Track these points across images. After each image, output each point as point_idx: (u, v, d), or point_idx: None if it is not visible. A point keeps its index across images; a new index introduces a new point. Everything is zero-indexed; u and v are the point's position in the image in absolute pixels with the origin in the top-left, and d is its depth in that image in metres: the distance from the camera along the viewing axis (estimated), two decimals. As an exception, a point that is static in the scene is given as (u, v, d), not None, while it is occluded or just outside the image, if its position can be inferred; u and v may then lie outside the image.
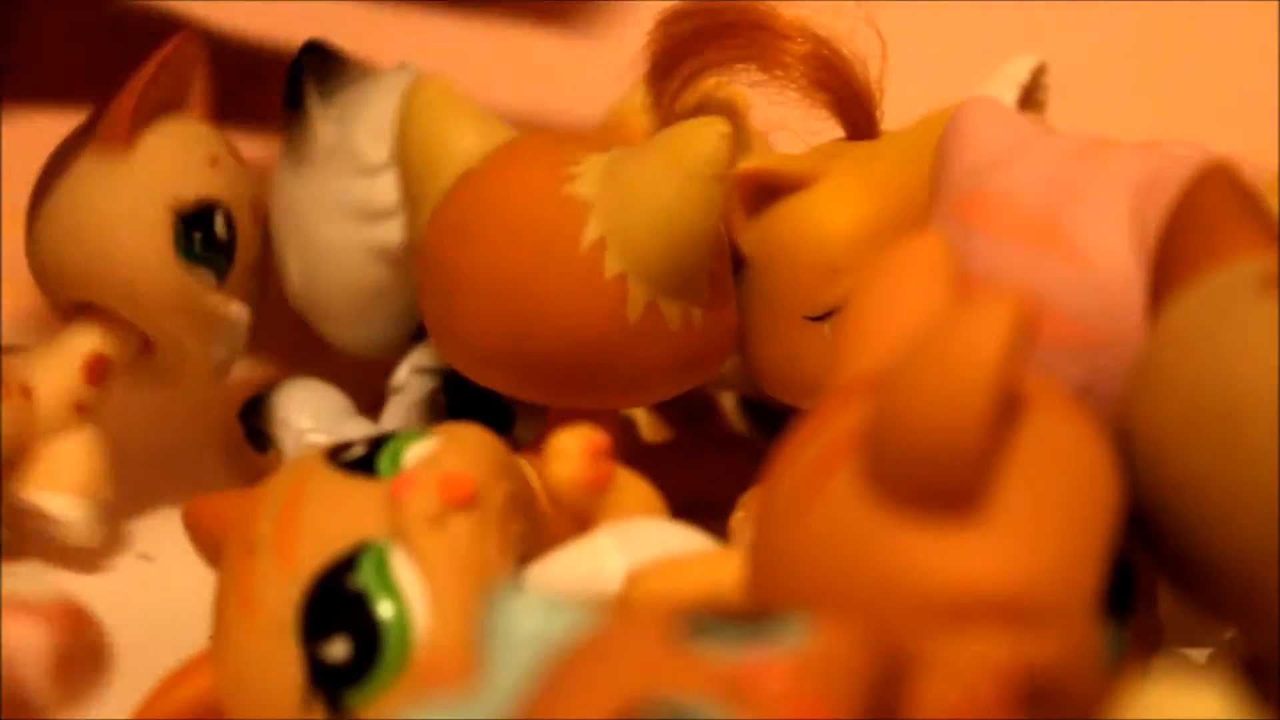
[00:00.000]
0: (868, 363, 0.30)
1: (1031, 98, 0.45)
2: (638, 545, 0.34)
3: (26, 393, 0.43)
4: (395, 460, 0.34)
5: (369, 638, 0.32)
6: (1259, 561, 0.28)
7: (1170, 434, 0.29)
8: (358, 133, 0.45)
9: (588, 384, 0.41)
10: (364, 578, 0.32)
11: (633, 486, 0.36)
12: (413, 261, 0.43)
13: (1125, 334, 0.34)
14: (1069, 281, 0.35)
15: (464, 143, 0.42)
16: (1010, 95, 0.44)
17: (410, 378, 0.45)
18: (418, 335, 0.46)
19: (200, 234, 0.44)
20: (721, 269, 0.41)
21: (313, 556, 0.32)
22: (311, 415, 0.45)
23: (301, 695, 0.32)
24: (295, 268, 0.46)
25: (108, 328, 0.44)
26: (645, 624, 0.26)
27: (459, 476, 0.33)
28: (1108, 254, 0.35)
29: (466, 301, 0.40)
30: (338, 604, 0.32)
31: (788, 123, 0.42)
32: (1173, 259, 0.31)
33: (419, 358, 0.46)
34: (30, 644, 0.29)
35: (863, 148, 0.42)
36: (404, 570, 0.32)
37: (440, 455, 0.34)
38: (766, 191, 0.41)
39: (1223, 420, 0.28)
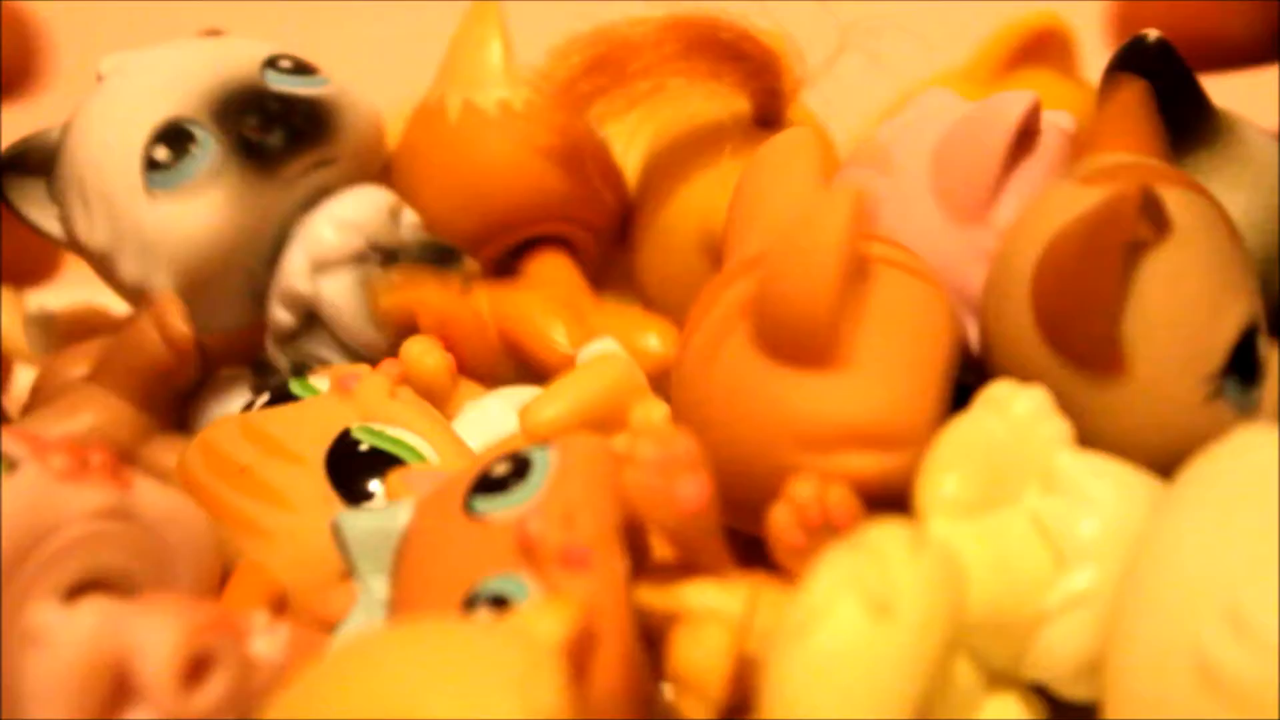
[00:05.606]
0: (753, 242, 0.38)
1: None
2: (515, 397, 0.43)
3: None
4: (306, 386, 0.41)
5: (400, 474, 0.39)
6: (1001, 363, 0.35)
7: (990, 286, 0.36)
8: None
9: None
10: (369, 442, 0.39)
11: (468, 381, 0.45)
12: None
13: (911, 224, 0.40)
14: (882, 186, 0.41)
15: None
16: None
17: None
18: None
19: None
20: None
21: (313, 449, 0.39)
22: None
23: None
24: None
25: None
26: (447, 502, 0.33)
27: (392, 362, 0.42)
28: (910, 170, 0.41)
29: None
30: (363, 466, 0.39)
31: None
32: (1074, 151, 0.39)
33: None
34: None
35: None
36: (391, 430, 0.39)
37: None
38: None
39: (1002, 268, 0.36)
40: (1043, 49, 0.55)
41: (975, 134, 0.40)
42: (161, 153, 0.44)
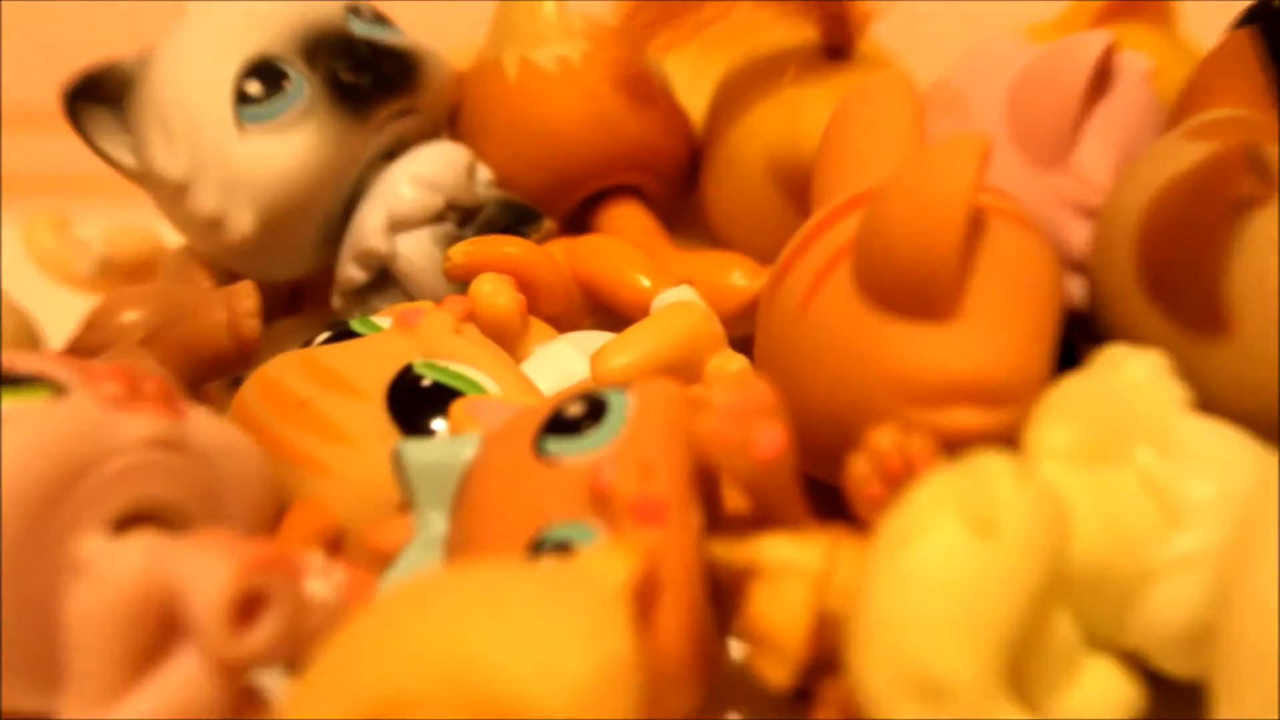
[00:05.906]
0: (855, 182, 0.36)
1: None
2: (585, 342, 0.41)
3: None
4: (368, 323, 0.40)
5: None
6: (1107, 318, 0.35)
7: (1096, 239, 0.36)
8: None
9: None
10: (432, 377, 0.38)
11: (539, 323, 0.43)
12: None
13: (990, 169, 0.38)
14: (953, 130, 0.40)
15: None
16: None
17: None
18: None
19: None
20: None
21: (374, 384, 0.38)
22: None
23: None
24: None
25: None
26: (515, 440, 0.32)
27: (457, 299, 0.40)
28: (985, 114, 0.40)
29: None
30: (425, 401, 0.37)
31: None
32: (1182, 105, 0.38)
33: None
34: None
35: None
36: (455, 365, 0.38)
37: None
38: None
39: (1108, 222, 0.35)
40: (1139, 5, 0.53)
41: (1052, 74, 0.39)
42: (254, 87, 0.44)
